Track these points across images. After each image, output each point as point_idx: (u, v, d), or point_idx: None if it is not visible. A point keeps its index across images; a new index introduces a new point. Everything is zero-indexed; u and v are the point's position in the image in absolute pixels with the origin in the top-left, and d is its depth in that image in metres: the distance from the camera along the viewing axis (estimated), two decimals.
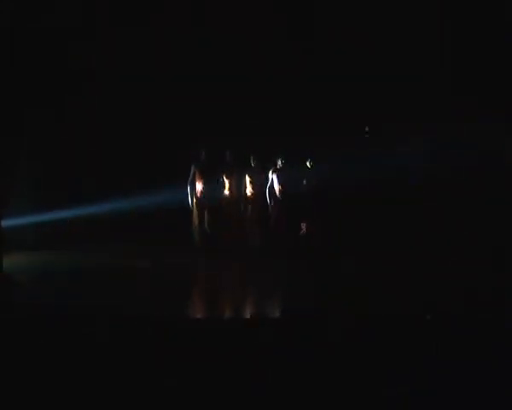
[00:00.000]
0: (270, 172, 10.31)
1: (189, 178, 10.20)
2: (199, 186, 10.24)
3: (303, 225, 10.36)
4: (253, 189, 10.33)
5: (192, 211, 10.28)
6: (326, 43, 10.73)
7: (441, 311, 6.16)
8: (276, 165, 10.35)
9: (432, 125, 10.27)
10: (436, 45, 10.53)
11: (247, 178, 10.34)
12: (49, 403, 4.21)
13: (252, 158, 10.39)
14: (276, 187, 10.31)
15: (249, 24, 10.59)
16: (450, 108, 10.38)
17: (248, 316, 6.92)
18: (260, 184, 10.33)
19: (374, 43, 10.57)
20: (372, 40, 10.56)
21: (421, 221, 9.96)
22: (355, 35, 10.56)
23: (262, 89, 10.83)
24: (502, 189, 9.93)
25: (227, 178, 10.33)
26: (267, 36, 10.65)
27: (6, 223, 8.92)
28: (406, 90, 10.57)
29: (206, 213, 10.28)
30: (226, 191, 10.33)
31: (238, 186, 10.34)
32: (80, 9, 10.42)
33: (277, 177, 10.31)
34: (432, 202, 10.23)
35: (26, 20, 10.10)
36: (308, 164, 10.36)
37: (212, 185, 10.28)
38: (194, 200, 10.23)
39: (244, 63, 10.79)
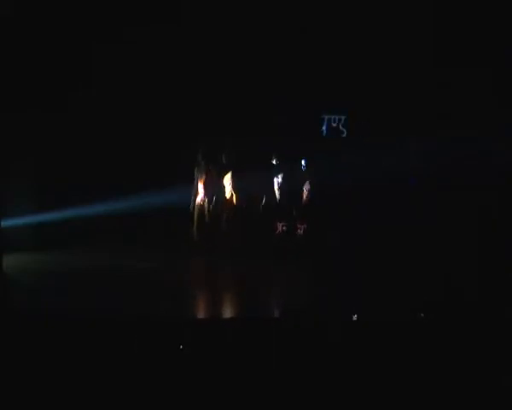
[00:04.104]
0: (270, 173, 10.38)
1: (194, 182, 10.27)
2: (200, 188, 10.29)
3: (301, 227, 10.41)
4: (254, 190, 10.36)
5: (193, 212, 10.32)
6: (325, 41, 10.73)
7: (438, 309, 6.18)
8: (274, 166, 10.43)
9: (431, 126, 10.30)
10: (437, 42, 10.55)
11: (247, 180, 10.38)
12: (48, 405, 4.21)
13: (251, 159, 10.42)
14: (276, 188, 10.37)
15: (249, 23, 10.60)
16: (449, 107, 10.41)
17: (248, 316, 6.91)
18: (259, 185, 10.37)
19: (374, 42, 10.59)
20: (370, 39, 10.58)
21: (419, 221, 9.99)
22: (355, 34, 10.58)
23: (261, 88, 10.87)
24: (501, 189, 9.95)
25: (226, 179, 10.36)
26: (267, 35, 10.66)
27: (6, 223, 8.92)
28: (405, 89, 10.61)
29: (206, 214, 10.33)
30: (226, 193, 10.36)
31: (237, 188, 10.37)
32: (81, 8, 10.42)
33: (276, 178, 10.38)
34: (431, 203, 10.25)
35: (25, 17, 10.11)
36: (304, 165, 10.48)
37: (213, 187, 10.34)
38: (196, 201, 10.28)
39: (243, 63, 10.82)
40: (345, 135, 11.44)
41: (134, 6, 10.57)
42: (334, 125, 11.52)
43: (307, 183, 10.43)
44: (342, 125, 11.48)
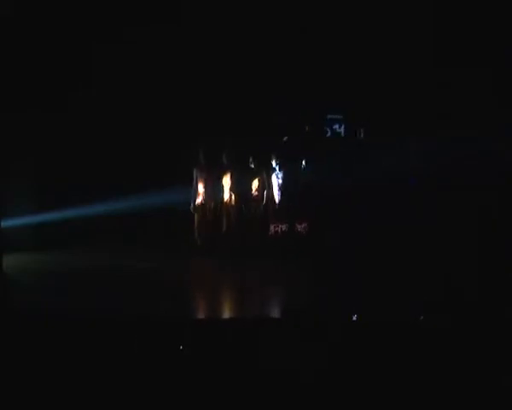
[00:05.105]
0: (269, 173, 10.40)
1: (194, 182, 10.27)
2: (200, 188, 10.30)
3: (299, 226, 10.42)
4: (254, 190, 10.36)
5: (193, 212, 10.34)
6: (325, 41, 10.73)
7: (438, 309, 6.18)
8: (274, 166, 10.43)
9: (431, 126, 10.31)
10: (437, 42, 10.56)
11: (247, 180, 10.38)
12: (48, 405, 4.21)
13: (251, 159, 10.43)
14: (276, 188, 10.38)
15: (249, 24, 10.60)
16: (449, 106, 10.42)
17: (248, 316, 6.91)
18: (259, 185, 10.38)
19: (374, 43, 10.59)
20: (370, 40, 10.58)
21: (419, 221, 9.99)
22: (355, 34, 10.59)
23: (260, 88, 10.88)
24: (501, 189, 9.96)
25: (226, 179, 10.36)
26: (267, 36, 10.65)
27: (6, 223, 8.91)
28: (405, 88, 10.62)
29: (207, 214, 10.34)
30: (226, 193, 10.36)
31: (237, 188, 10.37)
32: (81, 8, 10.42)
33: (276, 178, 10.39)
34: (431, 203, 10.26)
35: (25, 17, 10.11)
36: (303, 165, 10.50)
37: (214, 187, 10.35)
38: (196, 201, 10.30)
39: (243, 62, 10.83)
40: (329, 134, 11.43)
41: (134, 6, 10.57)
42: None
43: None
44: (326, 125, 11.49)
